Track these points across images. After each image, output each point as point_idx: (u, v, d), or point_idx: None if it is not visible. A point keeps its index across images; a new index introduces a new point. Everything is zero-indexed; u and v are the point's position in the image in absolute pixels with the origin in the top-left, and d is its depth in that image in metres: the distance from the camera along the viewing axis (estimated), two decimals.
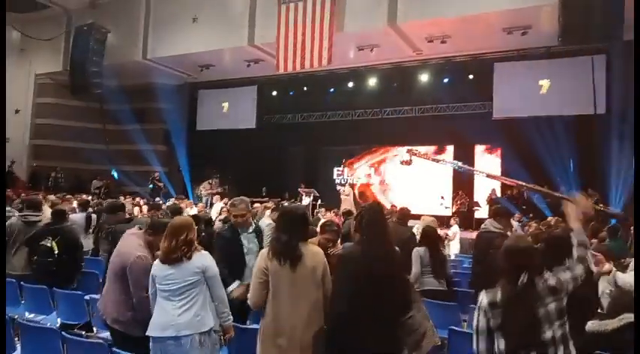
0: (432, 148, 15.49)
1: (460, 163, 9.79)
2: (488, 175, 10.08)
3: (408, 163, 12.86)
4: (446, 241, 9.93)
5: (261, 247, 4.05)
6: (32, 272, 4.90)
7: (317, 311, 2.91)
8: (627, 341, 2.46)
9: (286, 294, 2.88)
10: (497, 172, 14.06)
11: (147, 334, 3.14)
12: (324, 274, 2.95)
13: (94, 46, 14.03)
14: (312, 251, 2.99)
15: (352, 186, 16.07)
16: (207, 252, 3.34)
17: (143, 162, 16.56)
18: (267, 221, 6.12)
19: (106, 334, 3.76)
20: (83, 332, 4.08)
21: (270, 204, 10.45)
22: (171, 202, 11.16)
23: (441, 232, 8.71)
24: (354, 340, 2.69)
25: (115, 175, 16.87)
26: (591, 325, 2.61)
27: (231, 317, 3.34)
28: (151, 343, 3.14)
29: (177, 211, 8.30)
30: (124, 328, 3.41)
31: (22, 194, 10.45)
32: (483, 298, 2.58)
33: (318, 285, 2.93)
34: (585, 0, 8.62)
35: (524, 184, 9.03)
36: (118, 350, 3.03)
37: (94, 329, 4.20)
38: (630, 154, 10.63)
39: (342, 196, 14.37)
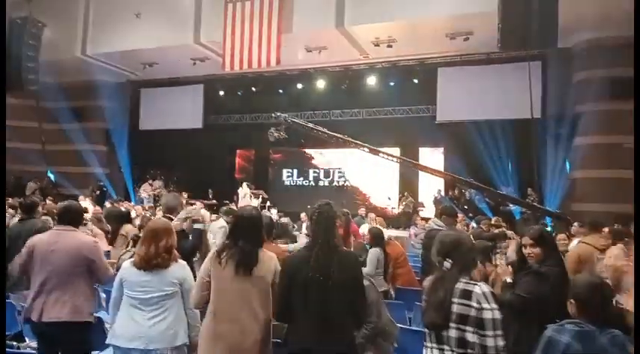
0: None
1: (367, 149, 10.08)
2: (416, 165, 10.36)
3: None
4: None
5: None
6: None
7: (262, 318, 2.80)
8: None
9: (232, 298, 2.77)
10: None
11: (109, 342, 2.94)
12: (274, 280, 2.85)
13: (29, 41, 13.26)
14: (267, 256, 2.89)
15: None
16: (185, 262, 3.16)
17: (82, 163, 15.83)
18: (220, 223, 5.99)
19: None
20: (14, 343, 3.83)
21: (199, 205, 10.12)
22: (108, 205, 10.58)
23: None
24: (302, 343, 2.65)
25: (52, 176, 16.01)
26: None
27: None
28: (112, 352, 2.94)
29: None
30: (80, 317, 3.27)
31: None
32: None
33: (268, 291, 2.83)
34: (523, 8, 9.02)
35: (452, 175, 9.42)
36: None
37: (26, 339, 3.95)
38: (563, 155, 11.30)
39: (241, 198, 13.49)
